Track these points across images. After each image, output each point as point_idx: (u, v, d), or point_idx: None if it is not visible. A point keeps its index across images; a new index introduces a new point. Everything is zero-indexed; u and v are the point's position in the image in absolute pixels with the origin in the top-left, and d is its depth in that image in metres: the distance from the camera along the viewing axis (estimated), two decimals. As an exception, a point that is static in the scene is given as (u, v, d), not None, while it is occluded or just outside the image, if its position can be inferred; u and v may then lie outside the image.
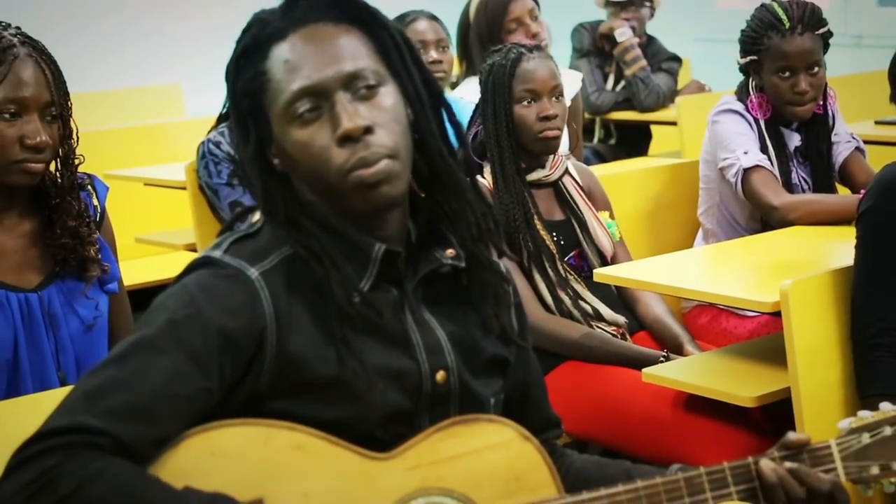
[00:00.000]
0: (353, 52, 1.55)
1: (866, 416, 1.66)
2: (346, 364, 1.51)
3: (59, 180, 2.27)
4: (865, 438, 1.63)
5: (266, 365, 1.50)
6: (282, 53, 1.54)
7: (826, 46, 3.30)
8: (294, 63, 1.53)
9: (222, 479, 1.44)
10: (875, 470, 1.63)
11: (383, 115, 1.54)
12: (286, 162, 1.56)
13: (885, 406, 1.66)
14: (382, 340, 1.56)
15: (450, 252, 1.61)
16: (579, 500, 1.55)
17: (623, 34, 5.30)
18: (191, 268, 1.55)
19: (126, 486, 1.37)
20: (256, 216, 1.60)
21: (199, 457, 1.44)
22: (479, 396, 1.64)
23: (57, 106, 2.21)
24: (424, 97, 1.59)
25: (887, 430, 1.63)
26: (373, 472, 1.51)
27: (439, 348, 1.60)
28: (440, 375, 1.59)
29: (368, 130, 1.52)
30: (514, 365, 1.71)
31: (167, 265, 4.44)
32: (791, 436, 1.63)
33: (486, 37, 4.12)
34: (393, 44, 1.58)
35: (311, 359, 1.51)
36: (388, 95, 1.56)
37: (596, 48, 5.43)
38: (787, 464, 1.60)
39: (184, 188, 3.73)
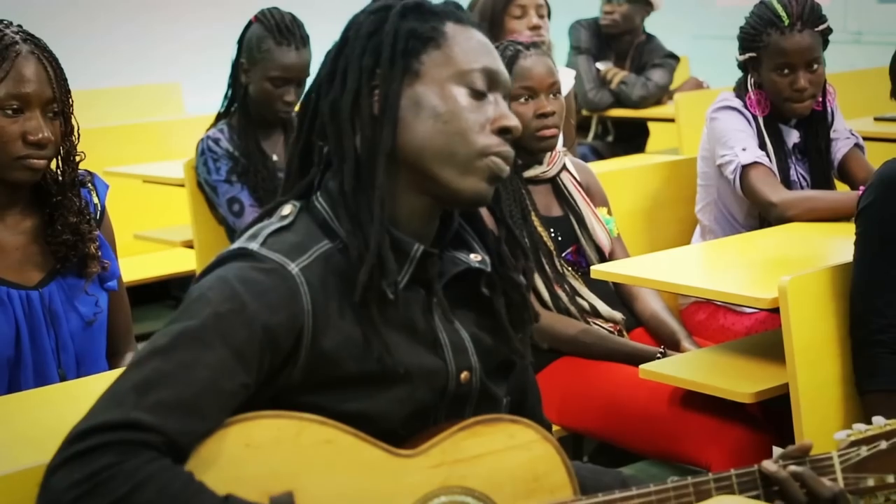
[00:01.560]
0: None
1: (861, 428, 1.71)
2: (380, 361, 1.53)
3: (61, 177, 2.27)
4: (863, 451, 1.68)
5: (300, 361, 1.51)
6: (463, 31, 1.61)
7: (825, 43, 3.30)
8: (479, 44, 1.62)
9: (255, 470, 1.46)
10: (870, 482, 1.68)
11: None
12: (413, 110, 1.57)
13: (878, 420, 1.71)
14: (414, 339, 1.59)
15: (475, 256, 1.65)
16: (595, 503, 1.57)
17: (603, 66, 5.52)
18: (225, 258, 1.54)
19: (176, 493, 1.37)
20: (287, 209, 1.60)
21: (234, 447, 1.46)
22: (496, 397, 1.67)
23: (59, 103, 2.21)
24: None
25: (883, 444, 1.69)
26: (397, 468, 1.53)
27: (464, 349, 1.63)
28: (464, 375, 1.62)
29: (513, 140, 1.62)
30: (515, 371, 1.74)
31: (165, 262, 4.47)
32: (791, 447, 1.69)
33: (489, 15, 4.12)
34: None
35: (345, 356, 1.52)
36: None
37: (593, 45, 5.45)
38: (791, 467, 1.64)
39: (182, 185, 3.75)
